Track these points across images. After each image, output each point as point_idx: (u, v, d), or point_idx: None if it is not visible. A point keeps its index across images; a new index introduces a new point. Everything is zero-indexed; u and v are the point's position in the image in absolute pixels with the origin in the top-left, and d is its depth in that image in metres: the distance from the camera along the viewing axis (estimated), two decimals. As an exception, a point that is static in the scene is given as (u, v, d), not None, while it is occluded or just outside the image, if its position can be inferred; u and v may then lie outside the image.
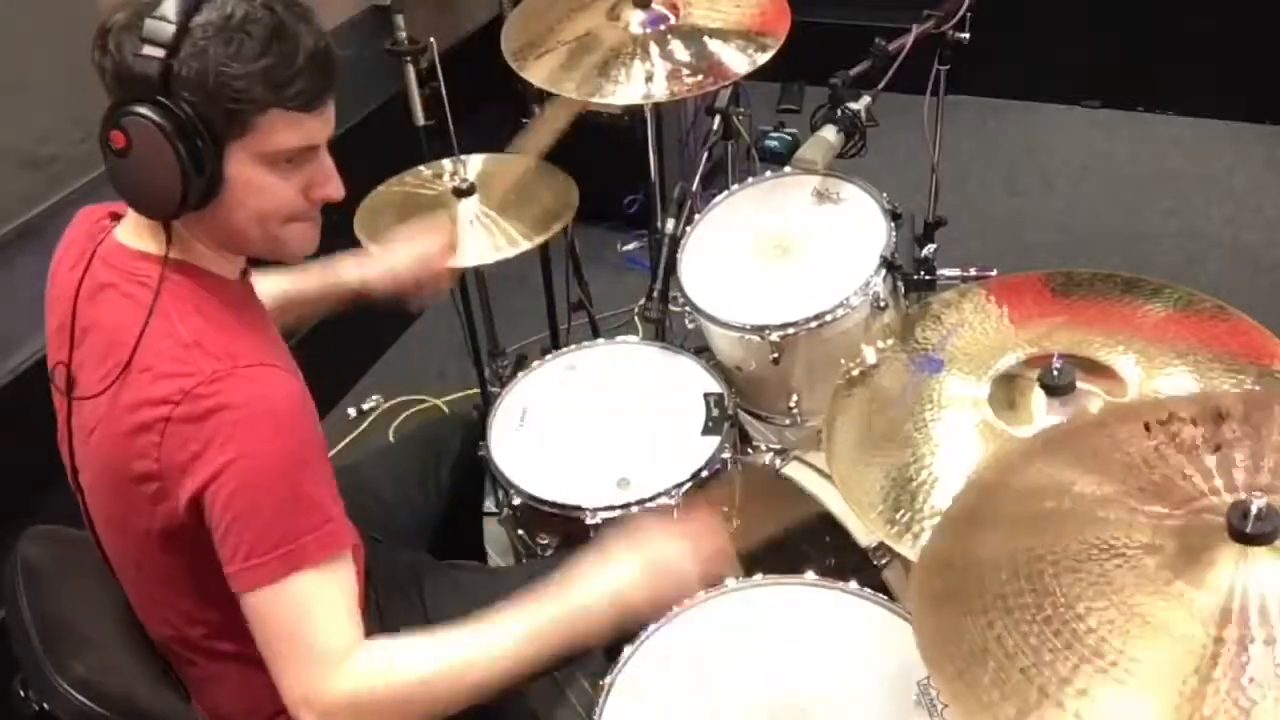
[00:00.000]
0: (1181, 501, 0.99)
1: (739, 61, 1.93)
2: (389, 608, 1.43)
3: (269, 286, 1.45)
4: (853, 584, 1.41)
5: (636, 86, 1.92)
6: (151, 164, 1.09)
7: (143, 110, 1.07)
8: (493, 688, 1.17)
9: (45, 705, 1.14)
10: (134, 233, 1.19)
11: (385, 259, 1.69)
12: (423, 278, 1.70)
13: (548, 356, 1.96)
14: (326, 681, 1.10)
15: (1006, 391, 1.46)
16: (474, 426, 1.87)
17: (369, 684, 1.12)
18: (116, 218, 1.24)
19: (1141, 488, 1.01)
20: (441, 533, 1.80)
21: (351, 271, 1.64)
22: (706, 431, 1.75)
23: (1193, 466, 1.02)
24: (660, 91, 1.90)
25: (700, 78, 1.92)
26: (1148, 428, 1.06)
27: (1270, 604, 0.88)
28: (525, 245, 1.99)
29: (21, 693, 1.18)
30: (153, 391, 1.09)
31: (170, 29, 1.06)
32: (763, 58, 1.92)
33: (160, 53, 1.06)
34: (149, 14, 1.06)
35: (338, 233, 1.64)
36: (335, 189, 1.20)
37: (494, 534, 1.99)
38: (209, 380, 1.09)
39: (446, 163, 2.14)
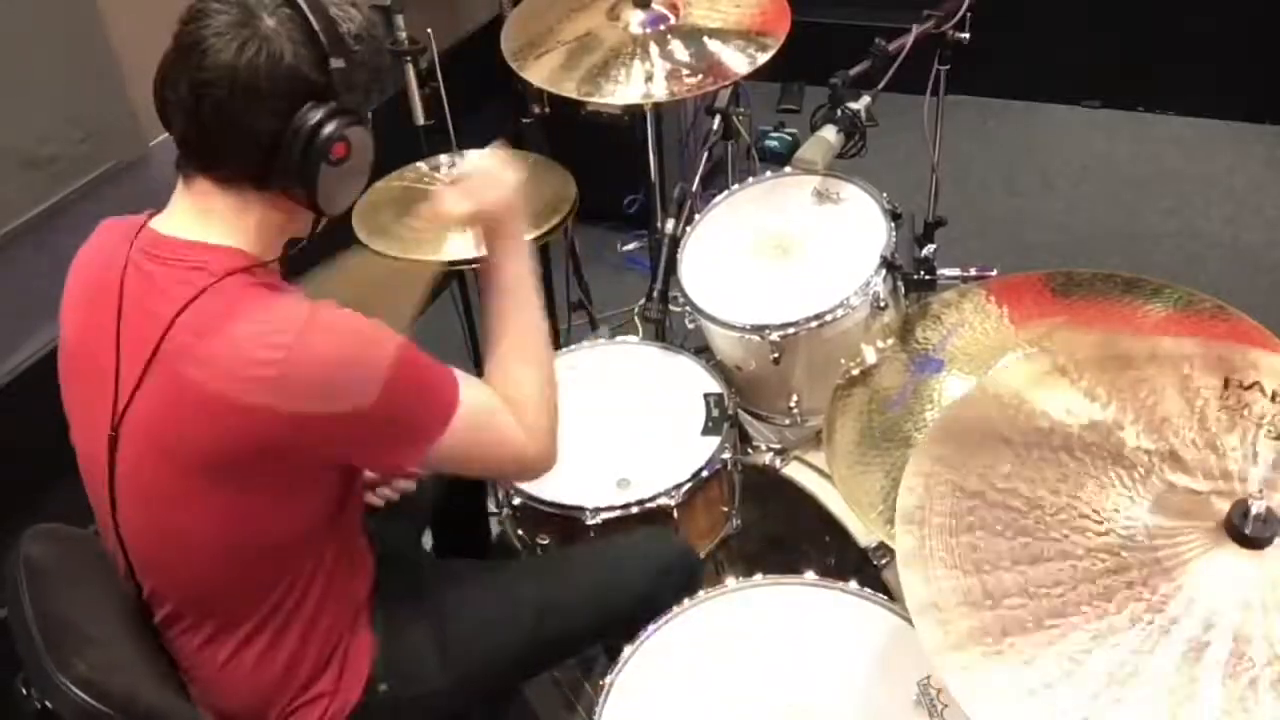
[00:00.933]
0: (1206, 476, 0.99)
1: (739, 61, 1.93)
2: (395, 610, 1.43)
3: None
4: (853, 584, 1.41)
5: (636, 86, 1.92)
6: (360, 165, 1.21)
7: (350, 119, 1.17)
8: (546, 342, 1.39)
9: (48, 703, 1.14)
10: (197, 226, 1.20)
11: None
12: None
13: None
14: (528, 449, 1.29)
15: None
16: None
17: (534, 417, 1.30)
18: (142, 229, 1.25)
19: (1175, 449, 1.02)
20: (443, 528, 1.80)
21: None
22: (706, 431, 1.75)
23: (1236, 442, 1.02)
24: (660, 91, 1.91)
25: (700, 78, 1.92)
26: (1226, 384, 1.07)
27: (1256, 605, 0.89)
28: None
29: (24, 690, 1.18)
30: (251, 353, 1.12)
31: (340, 42, 1.15)
32: (763, 58, 1.92)
33: (341, 62, 1.15)
34: (294, 31, 1.13)
35: (337, 232, 1.65)
36: None
37: (494, 534, 1.99)
38: (304, 326, 1.13)
39: (444, 158, 2.14)
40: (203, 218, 1.20)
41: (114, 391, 1.19)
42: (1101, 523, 0.96)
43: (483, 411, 1.26)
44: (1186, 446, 1.02)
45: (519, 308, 1.38)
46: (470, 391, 1.24)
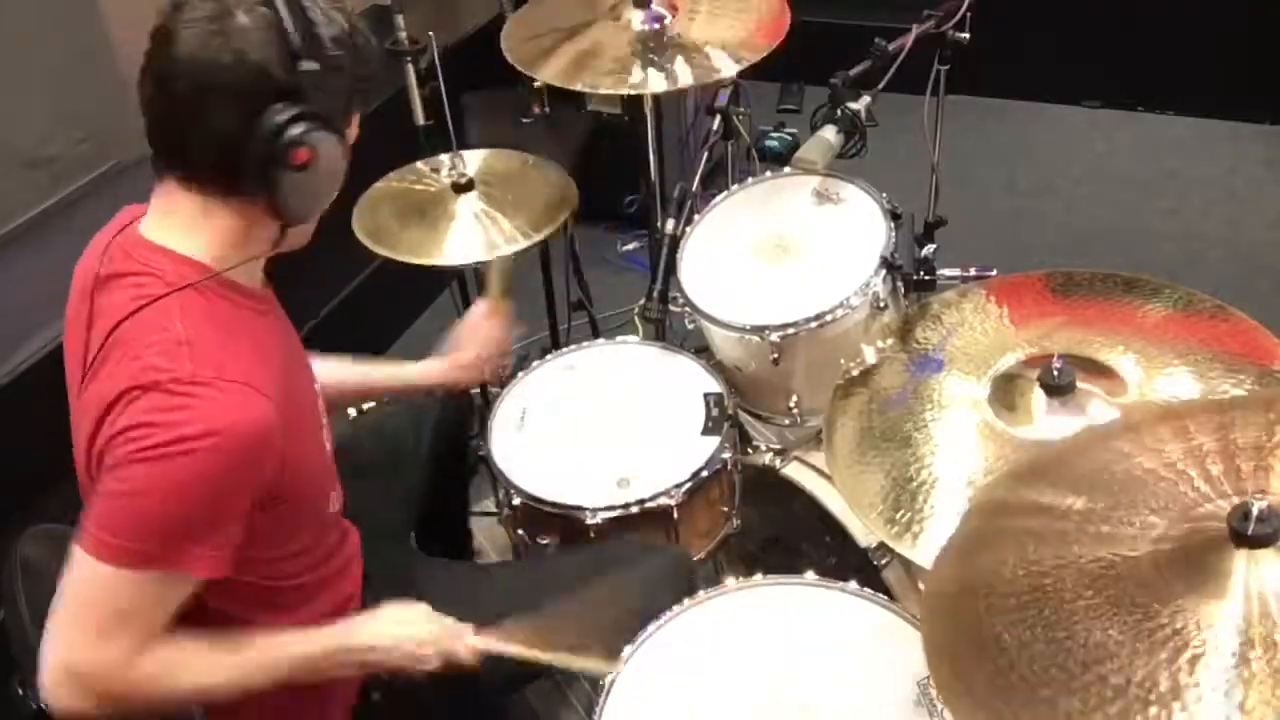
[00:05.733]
0: (1182, 511, 0.98)
1: (737, 60, 1.93)
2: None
3: (338, 373, 1.57)
4: (853, 584, 1.41)
5: (636, 84, 1.92)
6: (325, 173, 1.14)
7: (317, 125, 1.11)
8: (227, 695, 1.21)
9: (43, 705, 1.14)
10: (164, 230, 1.18)
11: (448, 370, 1.74)
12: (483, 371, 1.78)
13: (548, 356, 1.96)
14: (99, 671, 1.10)
15: (1006, 391, 1.46)
16: (458, 409, 1.88)
17: (138, 687, 1.13)
18: None
19: (1137, 500, 1.01)
20: (426, 521, 1.80)
21: (413, 372, 1.73)
22: (706, 431, 1.75)
23: (1191, 473, 1.01)
24: (659, 86, 1.92)
25: (700, 77, 1.92)
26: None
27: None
28: (524, 242, 1.99)
29: (20, 691, 1.18)
30: (126, 372, 1.09)
31: (311, 44, 1.10)
32: (761, 56, 1.92)
33: (315, 65, 1.10)
34: (262, 29, 1.08)
35: (337, 231, 1.65)
36: None
37: (494, 534, 1.99)
38: (187, 381, 1.08)
39: (444, 158, 2.14)
40: (166, 219, 1.18)
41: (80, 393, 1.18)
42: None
43: (124, 601, 1.10)
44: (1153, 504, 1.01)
45: (265, 666, 1.23)
46: (154, 587, 1.11)
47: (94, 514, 1.10)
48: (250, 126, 1.08)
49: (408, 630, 1.33)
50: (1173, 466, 1.02)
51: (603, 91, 1.97)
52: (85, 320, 1.18)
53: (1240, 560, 0.90)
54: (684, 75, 1.93)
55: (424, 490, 1.76)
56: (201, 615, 1.20)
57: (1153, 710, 0.85)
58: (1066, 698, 0.88)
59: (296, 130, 1.09)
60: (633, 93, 1.96)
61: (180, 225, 1.17)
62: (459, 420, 1.88)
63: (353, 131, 1.20)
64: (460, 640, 1.35)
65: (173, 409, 1.07)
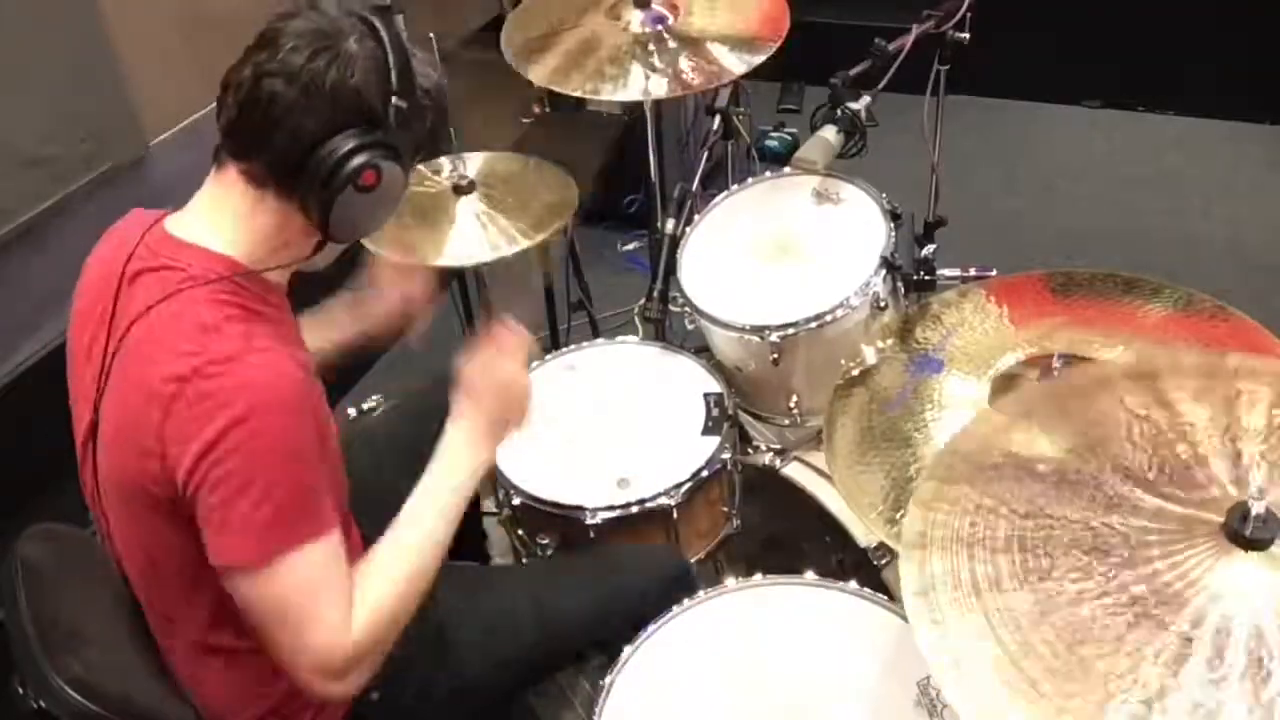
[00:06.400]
0: (1189, 488, 0.98)
1: (738, 61, 1.93)
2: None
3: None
4: (853, 584, 1.41)
5: (636, 86, 1.92)
6: (383, 201, 1.20)
7: (391, 156, 1.17)
8: (440, 555, 1.27)
9: (43, 704, 1.14)
10: (198, 227, 1.21)
11: (368, 310, 1.71)
12: (409, 313, 1.73)
13: (548, 356, 1.96)
14: (336, 648, 1.15)
15: (1006, 391, 1.46)
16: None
17: (368, 631, 1.17)
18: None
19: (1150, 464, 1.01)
20: None
21: (348, 327, 1.70)
22: (706, 431, 1.75)
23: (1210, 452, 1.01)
24: (660, 90, 1.91)
25: (700, 77, 1.92)
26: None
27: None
28: (524, 243, 1.99)
29: (20, 690, 1.18)
30: (165, 367, 1.11)
31: (409, 85, 1.18)
32: (761, 57, 1.92)
33: (405, 104, 1.17)
34: (369, 59, 1.15)
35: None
36: None
37: (494, 534, 1.99)
38: (220, 359, 1.10)
39: (445, 160, 2.14)
40: (213, 213, 1.21)
41: (95, 397, 1.19)
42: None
43: (306, 583, 1.14)
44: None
45: (438, 518, 1.28)
46: (316, 555, 1.14)
47: (226, 531, 1.11)
48: (332, 136, 1.14)
49: (487, 394, 1.35)
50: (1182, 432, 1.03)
51: (604, 98, 1.95)
52: (105, 314, 1.19)
53: (1237, 559, 0.91)
54: (688, 77, 1.92)
55: None
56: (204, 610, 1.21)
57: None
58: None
59: (373, 153, 1.15)
60: (637, 99, 1.94)
61: (224, 218, 1.20)
62: None
63: (410, 178, 1.24)
64: (517, 349, 1.41)
65: (215, 393, 1.09)
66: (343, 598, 1.16)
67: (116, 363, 1.16)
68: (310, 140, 1.14)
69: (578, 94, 1.96)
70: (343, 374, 3.00)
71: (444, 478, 1.30)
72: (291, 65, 1.13)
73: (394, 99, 1.16)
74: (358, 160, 1.14)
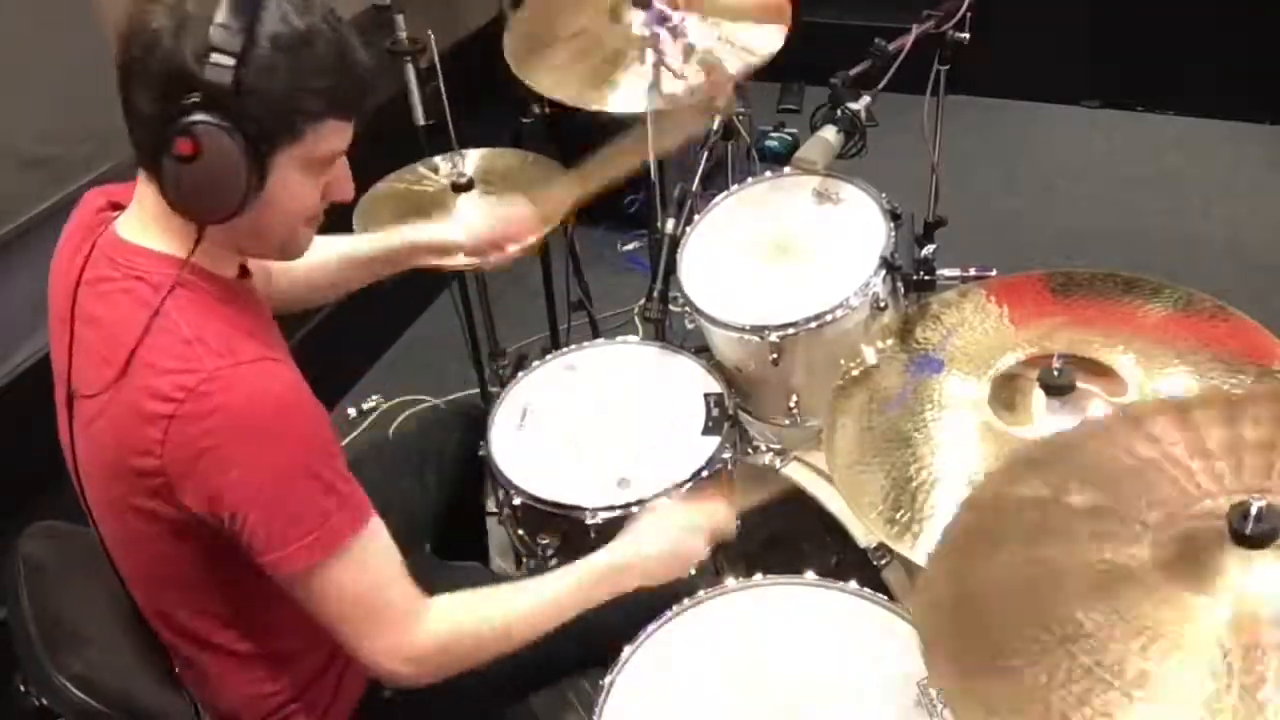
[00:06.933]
0: (1181, 507, 0.98)
1: (739, 61, 1.93)
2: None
3: (325, 247, 1.54)
4: (853, 584, 1.41)
5: (637, 88, 1.91)
6: (216, 171, 1.08)
7: (214, 119, 1.06)
8: (543, 632, 1.29)
9: (45, 701, 1.14)
10: (139, 228, 1.18)
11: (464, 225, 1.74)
12: (505, 235, 1.76)
13: (548, 356, 1.96)
14: (409, 632, 1.20)
15: (1006, 391, 1.46)
16: (475, 419, 1.86)
17: (451, 628, 1.23)
18: (116, 207, 1.23)
19: (1136, 496, 1.01)
20: (444, 529, 1.80)
21: (423, 232, 1.72)
22: (706, 431, 1.75)
23: (1189, 469, 1.01)
24: (659, 101, 1.88)
25: (701, 77, 1.92)
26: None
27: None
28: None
29: (22, 689, 1.18)
30: (156, 387, 1.09)
31: (239, 39, 1.05)
32: (760, 58, 1.92)
33: (230, 61, 1.05)
34: (204, 19, 1.05)
35: (338, 231, 1.65)
36: (350, 191, 1.24)
37: (494, 534, 1.99)
38: (211, 377, 1.09)
39: (441, 159, 2.14)
40: (138, 210, 1.18)
41: (67, 399, 1.18)
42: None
43: (363, 577, 1.17)
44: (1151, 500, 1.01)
45: (576, 589, 1.33)
46: (359, 552, 1.16)
47: (271, 549, 1.13)
48: (159, 113, 1.07)
49: (668, 536, 1.41)
50: (1174, 460, 1.03)
51: (609, 110, 1.93)
52: (67, 321, 1.17)
53: (1235, 559, 0.91)
54: (690, 78, 1.91)
55: (439, 495, 1.77)
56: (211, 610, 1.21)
57: (1112, 694, 0.86)
58: (1033, 670, 0.90)
59: (190, 118, 1.05)
60: (640, 110, 1.91)
61: (150, 216, 1.17)
62: (478, 419, 1.87)
63: (328, 140, 1.14)
64: (719, 514, 1.47)
65: (214, 412, 1.09)
66: (400, 574, 1.20)
67: (119, 388, 1.13)
68: (138, 115, 1.09)
69: (579, 104, 1.93)
70: (341, 374, 3.02)
71: (586, 588, 1.34)
72: (142, 33, 1.06)
73: (211, 57, 1.04)
74: (174, 128, 1.05)
